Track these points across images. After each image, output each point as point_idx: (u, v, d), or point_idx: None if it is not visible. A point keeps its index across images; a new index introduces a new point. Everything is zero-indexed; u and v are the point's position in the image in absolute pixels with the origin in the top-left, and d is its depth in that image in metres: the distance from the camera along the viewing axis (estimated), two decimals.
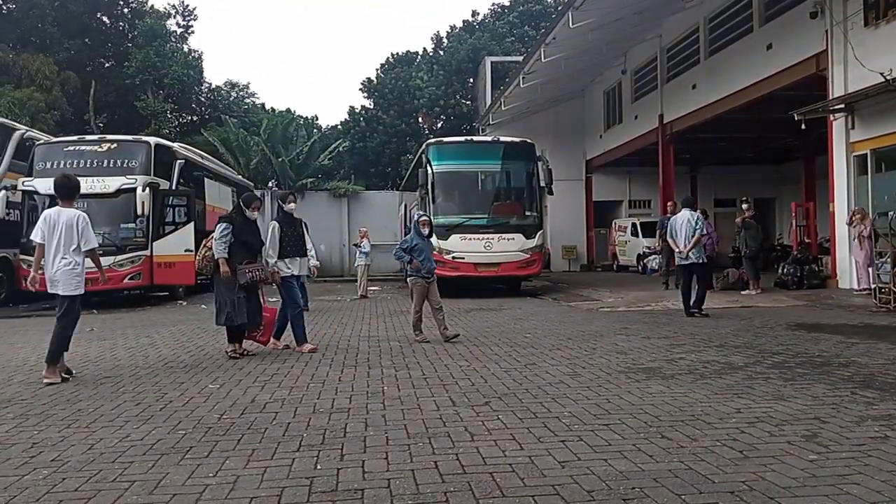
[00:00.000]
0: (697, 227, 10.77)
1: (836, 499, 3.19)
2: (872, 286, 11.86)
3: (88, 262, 6.65)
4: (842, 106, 14.10)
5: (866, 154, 14.10)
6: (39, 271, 6.58)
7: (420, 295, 8.88)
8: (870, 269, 12.49)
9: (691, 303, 10.84)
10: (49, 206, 15.04)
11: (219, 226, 7.76)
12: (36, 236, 6.50)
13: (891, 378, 5.81)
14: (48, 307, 15.59)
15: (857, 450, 3.90)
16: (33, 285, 6.79)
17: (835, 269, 14.95)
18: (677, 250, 11.01)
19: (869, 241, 12.69)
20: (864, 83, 12.99)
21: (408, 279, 9.11)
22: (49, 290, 6.58)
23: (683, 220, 10.96)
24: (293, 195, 8.88)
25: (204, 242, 8.11)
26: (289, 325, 8.25)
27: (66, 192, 6.71)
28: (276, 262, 8.04)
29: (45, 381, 6.34)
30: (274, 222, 8.27)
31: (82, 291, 6.62)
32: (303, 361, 7.31)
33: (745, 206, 15.55)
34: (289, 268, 8.15)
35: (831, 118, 14.74)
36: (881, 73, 12.27)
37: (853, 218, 13.16)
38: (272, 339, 8.29)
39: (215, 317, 7.88)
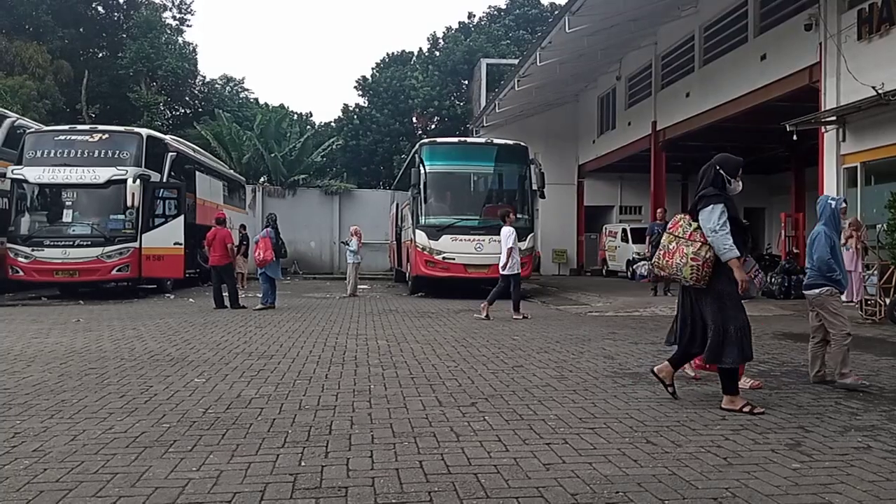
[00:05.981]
0: None
1: None
2: (858, 298, 11.93)
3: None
4: (833, 118, 14.18)
5: (856, 167, 14.19)
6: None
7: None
8: (860, 279, 12.52)
9: None
10: (38, 195, 15.22)
11: (711, 209, 4.99)
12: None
13: (874, 389, 5.85)
14: (34, 297, 15.56)
15: (841, 459, 3.92)
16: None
17: None
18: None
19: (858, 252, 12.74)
20: (857, 96, 13.07)
21: (820, 293, 5.99)
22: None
23: None
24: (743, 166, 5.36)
25: (684, 235, 5.11)
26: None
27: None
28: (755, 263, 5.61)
29: (516, 317, 11.71)
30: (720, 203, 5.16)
31: (517, 272, 12.02)
32: (289, 358, 7.28)
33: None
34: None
35: (823, 130, 14.81)
36: (873, 87, 12.35)
37: (849, 228, 13.18)
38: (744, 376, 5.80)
39: (713, 351, 5.01)
